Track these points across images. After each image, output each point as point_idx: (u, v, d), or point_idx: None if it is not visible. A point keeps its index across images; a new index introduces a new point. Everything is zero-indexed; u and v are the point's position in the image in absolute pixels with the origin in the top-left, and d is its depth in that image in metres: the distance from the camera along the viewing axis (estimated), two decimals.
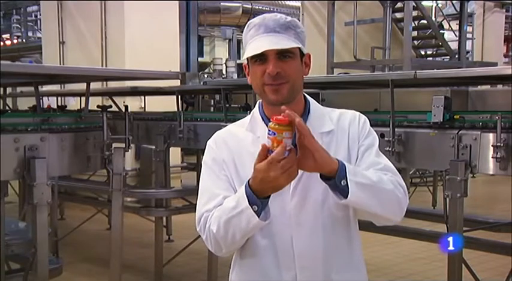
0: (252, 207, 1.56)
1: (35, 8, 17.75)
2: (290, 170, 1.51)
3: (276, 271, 1.70)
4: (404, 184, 1.70)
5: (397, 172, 1.72)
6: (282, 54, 1.66)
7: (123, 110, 4.85)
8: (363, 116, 1.80)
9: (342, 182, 1.57)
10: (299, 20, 2.04)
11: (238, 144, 1.76)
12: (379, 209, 1.64)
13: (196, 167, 7.10)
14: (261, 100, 1.81)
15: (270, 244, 1.70)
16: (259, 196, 1.55)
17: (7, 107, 6.91)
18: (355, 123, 1.77)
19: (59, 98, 8.44)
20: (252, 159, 1.69)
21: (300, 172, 1.66)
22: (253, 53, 1.66)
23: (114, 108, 5.23)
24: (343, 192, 1.58)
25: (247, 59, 1.73)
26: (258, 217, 1.56)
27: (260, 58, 1.67)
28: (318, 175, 1.63)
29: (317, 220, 1.69)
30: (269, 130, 1.52)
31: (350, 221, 1.75)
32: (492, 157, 3.24)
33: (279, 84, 1.67)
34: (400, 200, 1.67)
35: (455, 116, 3.51)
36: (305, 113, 1.76)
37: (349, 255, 1.75)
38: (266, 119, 1.75)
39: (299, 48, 1.70)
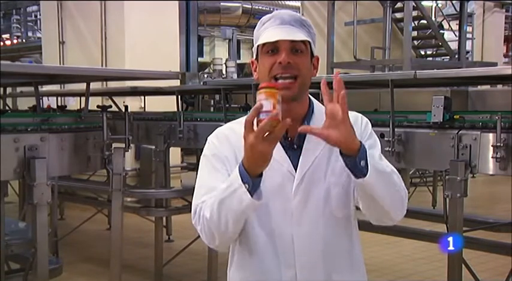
0: (244, 185, 1.54)
1: (35, 8, 17.75)
2: (269, 136, 1.48)
3: (276, 269, 1.70)
4: (405, 187, 1.71)
5: (400, 177, 1.72)
6: (295, 48, 1.68)
7: (123, 110, 4.85)
8: (365, 118, 1.80)
9: (362, 162, 1.55)
10: None
11: (239, 141, 1.74)
12: (387, 200, 1.63)
13: (196, 167, 7.10)
14: None
15: (270, 243, 1.70)
16: (252, 175, 1.54)
17: (7, 107, 6.91)
18: (358, 124, 1.76)
19: (59, 98, 8.45)
20: None
21: (303, 171, 1.67)
22: (268, 40, 1.66)
23: (114, 108, 5.22)
24: (359, 172, 1.56)
25: (257, 52, 1.72)
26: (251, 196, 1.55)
27: (272, 49, 1.68)
28: (319, 175, 1.63)
29: (318, 219, 1.69)
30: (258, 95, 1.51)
31: (350, 221, 1.75)
32: (492, 157, 3.24)
33: (290, 83, 1.67)
34: (403, 199, 1.69)
35: (455, 116, 3.50)
36: (309, 113, 1.76)
37: (349, 255, 1.75)
38: None
39: (310, 48, 1.71)
